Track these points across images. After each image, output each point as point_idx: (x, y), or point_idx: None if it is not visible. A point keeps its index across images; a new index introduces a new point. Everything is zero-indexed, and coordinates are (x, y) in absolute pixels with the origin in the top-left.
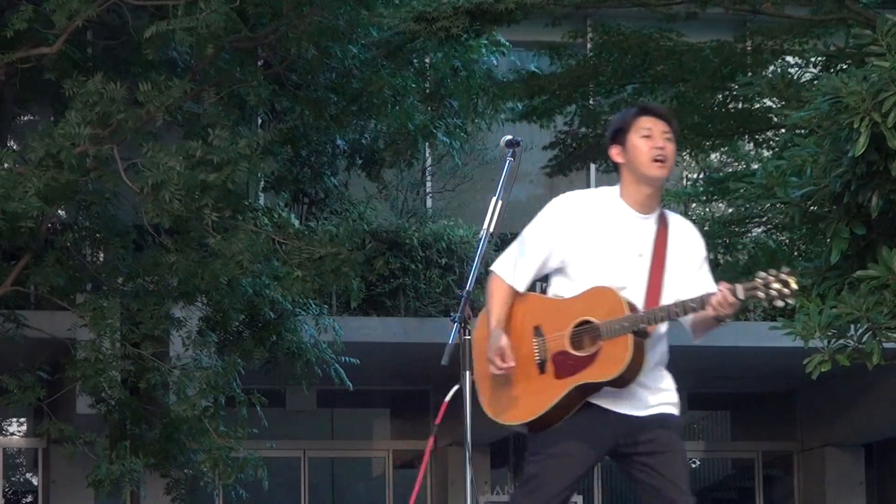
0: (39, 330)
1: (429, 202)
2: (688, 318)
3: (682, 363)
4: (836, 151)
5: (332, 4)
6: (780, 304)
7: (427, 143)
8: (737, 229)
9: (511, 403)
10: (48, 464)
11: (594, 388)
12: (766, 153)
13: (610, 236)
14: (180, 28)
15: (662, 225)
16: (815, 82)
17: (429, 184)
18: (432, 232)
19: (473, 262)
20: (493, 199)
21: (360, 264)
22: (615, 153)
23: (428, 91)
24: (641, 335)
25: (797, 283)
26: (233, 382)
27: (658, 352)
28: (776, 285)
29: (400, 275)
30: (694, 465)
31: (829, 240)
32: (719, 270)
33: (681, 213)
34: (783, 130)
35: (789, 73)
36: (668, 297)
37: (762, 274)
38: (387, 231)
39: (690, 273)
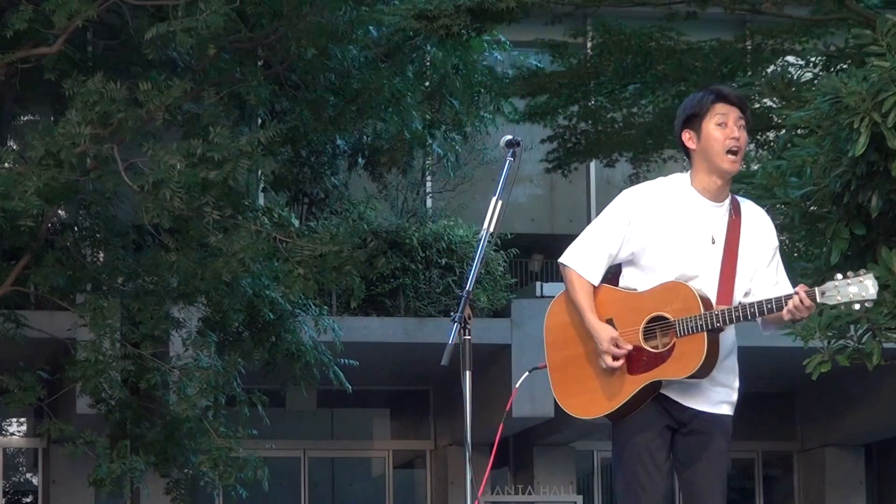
0: (39, 330)
1: (429, 202)
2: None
3: None
4: (836, 151)
5: (332, 4)
6: (857, 307)
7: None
8: None
9: (586, 398)
10: (48, 464)
11: (668, 384)
12: (764, 153)
13: (682, 224)
14: (180, 29)
15: (735, 212)
16: (815, 82)
17: (429, 184)
18: (432, 232)
19: (473, 262)
20: (494, 199)
21: (362, 262)
22: (687, 138)
23: (428, 90)
24: (716, 332)
25: (874, 285)
26: (233, 382)
27: (728, 342)
28: (854, 288)
29: (400, 275)
30: None
31: (829, 240)
32: None
33: None
34: (783, 131)
35: (789, 73)
36: (740, 287)
37: (839, 276)
38: (387, 231)
39: (762, 263)
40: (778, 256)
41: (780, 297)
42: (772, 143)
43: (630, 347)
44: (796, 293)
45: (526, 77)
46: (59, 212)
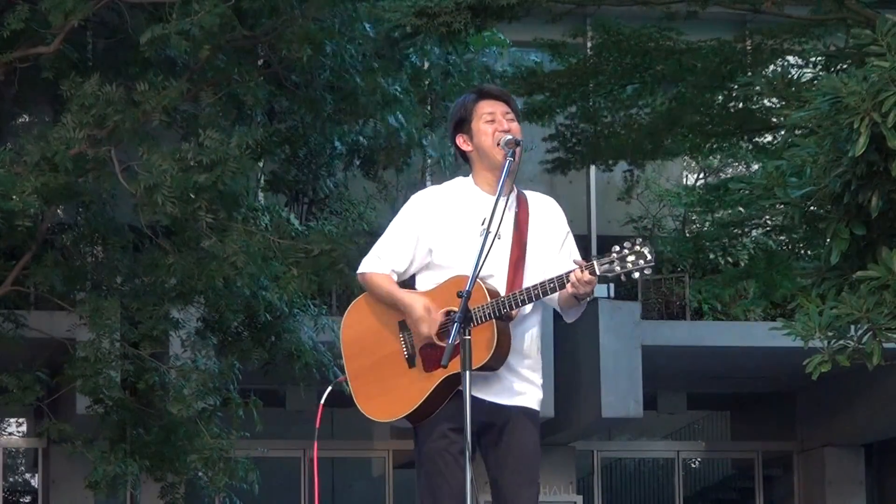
0: (39, 330)
1: None
2: (554, 298)
3: (682, 363)
4: (836, 151)
5: (328, 3)
6: (637, 275)
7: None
8: (736, 231)
9: (386, 401)
10: (48, 464)
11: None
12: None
13: (467, 221)
14: (175, 32)
15: (522, 204)
16: (815, 82)
17: (428, 183)
18: None
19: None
20: (494, 199)
21: (355, 258)
22: (462, 142)
23: (424, 93)
24: (505, 319)
25: (651, 252)
26: (230, 385)
27: (526, 336)
28: (631, 257)
29: None
30: (694, 466)
31: (828, 240)
32: (719, 273)
33: (681, 217)
34: (783, 132)
35: (789, 73)
36: (532, 277)
37: (617, 247)
38: None
39: (553, 249)
40: (571, 242)
41: (561, 276)
42: (770, 148)
43: (442, 313)
44: (574, 269)
45: (524, 76)
46: (58, 211)
